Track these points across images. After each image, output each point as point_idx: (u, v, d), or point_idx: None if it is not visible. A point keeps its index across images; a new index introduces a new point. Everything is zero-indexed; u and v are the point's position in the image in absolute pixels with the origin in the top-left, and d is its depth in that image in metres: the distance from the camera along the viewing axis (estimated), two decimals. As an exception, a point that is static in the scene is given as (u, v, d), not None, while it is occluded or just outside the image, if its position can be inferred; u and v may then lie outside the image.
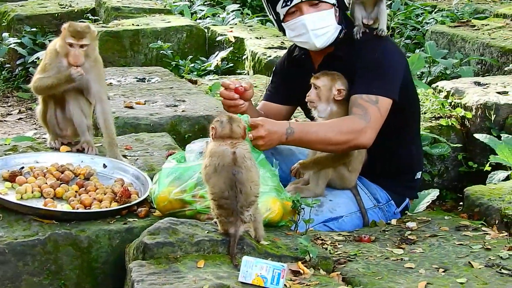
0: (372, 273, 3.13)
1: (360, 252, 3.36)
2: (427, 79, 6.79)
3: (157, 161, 4.20)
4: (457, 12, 9.21)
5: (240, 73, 7.56)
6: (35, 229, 3.40)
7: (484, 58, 6.98)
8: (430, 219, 3.79)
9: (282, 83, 4.18)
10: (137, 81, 6.31)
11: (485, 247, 3.37)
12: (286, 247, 3.22)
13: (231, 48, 7.97)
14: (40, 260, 3.34)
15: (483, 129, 5.23)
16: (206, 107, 5.39)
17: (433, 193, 4.48)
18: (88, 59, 4.06)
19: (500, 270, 3.13)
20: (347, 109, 3.77)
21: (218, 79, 6.86)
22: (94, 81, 4.14)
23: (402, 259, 3.29)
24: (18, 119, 7.55)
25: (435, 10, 9.53)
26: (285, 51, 4.35)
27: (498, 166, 4.86)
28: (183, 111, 5.30)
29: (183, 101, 5.59)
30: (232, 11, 9.64)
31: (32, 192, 3.70)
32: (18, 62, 8.75)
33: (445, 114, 5.43)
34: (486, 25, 7.87)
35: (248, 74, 7.38)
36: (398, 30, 8.72)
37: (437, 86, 5.83)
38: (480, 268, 3.15)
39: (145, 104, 5.50)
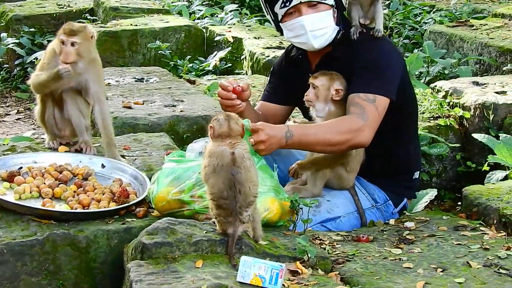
0: (370, 273, 3.13)
1: (358, 252, 3.36)
2: (425, 79, 6.80)
3: (155, 161, 4.20)
4: (455, 12, 9.22)
5: (238, 73, 7.56)
6: (33, 229, 3.40)
7: (483, 58, 6.99)
8: (428, 219, 3.80)
9: (280, 83, 4.18)
10: (136, 81, 6.31)
11: (483, 247, 3.37)
12: (284, 247, 3.22)
13: (230, 48, 7.97)
14: (38, 260, 3.34)
15: (481, 129, 5.24)
16: (204, 107, 5.39)
17: (431, 193, 4.48)
18: (82, 59, 4.04)
19: (498, 270, 3.13)
20: (345, 109, 3.77)
21: (216, 79, 6.86)
22: (93, 82, 4.14)
23: (400, 259, 3.29)
24: (17, 119, 7.55)
25: (434, 10, 9.54)
26: (283, 51, 4.35)
27: (496, 166, 4.86)
28: (181, 111, 5.30)
29: (182, 101, 5.59)
30: (231, 11, 9.64)
31: (31, 192, 3.70)
32: (16, 62, 8.75)
33: (444, 114, 5.44)
34: (484, 25, 7.88)
35: (247, 74, 7.38)
36: (397, 30, 8.73)
37: (436, 86, 5.84)
38: (478, 268, 3.15)
39: (143, 104, 5.50)
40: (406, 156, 4.10)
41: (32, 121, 7.27)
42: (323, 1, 3.84)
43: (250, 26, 8.84)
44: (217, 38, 8.27)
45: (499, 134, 5.02)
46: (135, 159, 4.25)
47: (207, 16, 9.59)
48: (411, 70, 6.17)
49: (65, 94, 4.16)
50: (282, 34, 4.01)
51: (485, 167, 4.87)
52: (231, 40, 8.06)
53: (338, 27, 3.89)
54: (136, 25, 8.49)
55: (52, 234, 3.36)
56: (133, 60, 8.12)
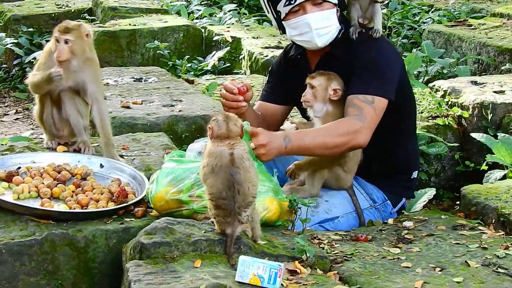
0: (369, 272, 3.13)
1: (357, 251, 3.36)
2: (424, 79, 6.80)
3: (154, 161, 4.20)
4: (454, 12, 9.22)
5: (237, 73, 7.56)
6: (32, 229, 3.40)
7: (481, 58, 6.99)
8: (426, 218, 3.80)
9: (278, 83, 4.18)
10: (134, 81, 6.31)
11: (481, 246, 3.38)
12: (283, 247, 3.22)
13: (228, 48, 7.97)
14: (37, 260, 3.34)
15: (480, 128, 5.24)
16: (203, 107, 5.39)
17: (430, 192, 4.48)
18: (76, 57, 4.05)
19: (497, 269, 3.13)
20: (343, 109, 3.77)
21: (215, 79, 6.86)
22: (90, 82, 4.14)
23: (399, 258, 3.29)
24: (15, 119, 7.54)
25: (432, 10, 9.54)
26: (281, 50, 4.35)
27: (494, 165, 4.87)
28: (180, 111, 5.30)
29: (180, 101, 5.59)
30: (229, 10, 9.63)
31: (29, 192, 3.70)
32: (15, 62, 8.74)
33: (442, 114, 5.44)
34: (483, 25, 7.88)
35: (245, 74, 7.38)
36: (395, 30, 8.73)
37: (434, 85, 5.84)
38: (476, 267, 3.16)
39: (142, 104, 5.49)
40: (405, 156, 4.09)
41: (31, 121, 7.26)
42: (328, 0, 3.84)
43: (248, 25, 8.83)
44: (215, 38, 8.27)
45: (498, 134, 5.03)
46: (134, 159, 4.25)
47: (205, 16, 9.59)
48: (410, 70, 6.18)
49: (63, 94, 4.17)
50: (283, 32, 3.99)
51: (484, 167, 4.87)
52: (230, 39, 8.05)
53: (340, 26, 3.89)
54: (135, 25, 8.48)
55: (50, 234, 3.36)
56: (131, 60, 8.12)
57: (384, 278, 3.07)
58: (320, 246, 3.40)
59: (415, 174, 4.15)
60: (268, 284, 2.85)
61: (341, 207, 3.85)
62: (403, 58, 4.35)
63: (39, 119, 4.32)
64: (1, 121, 7.51)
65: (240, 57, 7.78)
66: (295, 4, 3.82)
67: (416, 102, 4.53)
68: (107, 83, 6.17)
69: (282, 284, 2.90)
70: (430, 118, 5.42)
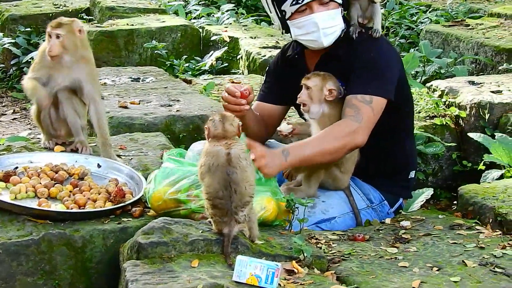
0: (366, 272, 3.13)
1: (354, 251, 3.37)
2: (421, 79, 6.80)
3: (151, 161, 4.20)
4: (451, 12, 9.22)
5: (234, 73, 7.56)
6: (29, 229, 3.39)
7: (479, 57, 7.00)
8: (424, 218, 3.80)
9: (276, 83, 4.18)
10: (132, 81, 6.31)
11: (479, 245, 3.38)
12: (280, 247, 3.23)
13: (226, 47, 7.97)
14: (34, 260, 3.33)
15: (477, 128, 5.25)
16: (200, 107, 5.39)
17: (427, 192, 4.49)
18: (67, 52, 4.04)
19: (494, 268, 3.13)
20: (339, 110, 3.77)
21: (212, 78, 6.86)
22: (86, 81, 4.13)
23: (396, 258, 3.29)
24: (13, 119, 7.54)
25: (430, 10, 9.55)
26: (279, 50, 4.34)
27: (492, 165, 4.88)
28: (177, 110, 5.29)
29: (178, 100, 5.58)
30: (227, 10, 9.63)
31: (26, 192, 3.70)
32: (12, 62, 8.74)
33: (440, 113, 5.44)
34: (480, 25, 7.89)
35: (243, 74, 7.38)
36: (393, 30, 8.73)
37: (432, 85, 5.85)
38: (474, 267, 3.16)
39: (139, 104, 5.49)
40: (402, 156, 4.10)
41: (28, 121, 7.26)
42: None
43: (246, 25, 8.83)
44: (213, 38, 8.27)
45: (495, 133, 5.03)
46: (131, 158, 4.25)
47: (203, 16, 9.58)
48: (407, 70, 6.18)
49: (60, 94, 4.16)
50: (286, 32, 3.97)
51: (481, 166, 4.88)
52: (227, 39, 8.05)
53: (344, 26, 3.90)
54: (132, 25, 8.48)
55: (47, 234, 3.35)
56: (129, 60, 8.11)
57: (381, 278, 3.07)
58: (318, 246, 3.40)
59: (412, 174, 4.15)
60: (265, 284, 2.86)
61: (338, 207, 3.85)
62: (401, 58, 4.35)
63: (37, 119, 4.32)
64: (-1, 121, 7.52)
65: (237, 57, 7.78)
66: (303, 3, 3.81)
67: (414, 102, 4.53)
68: (105, 83, 6.17)
69: (279, 284, 2.90)
70: (428, 118, 5.43)
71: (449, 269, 3.15)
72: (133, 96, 5.71)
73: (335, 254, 3.33)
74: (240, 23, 9.12)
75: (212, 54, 8.05)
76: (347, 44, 3.89)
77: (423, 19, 9.01)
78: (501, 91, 5.48)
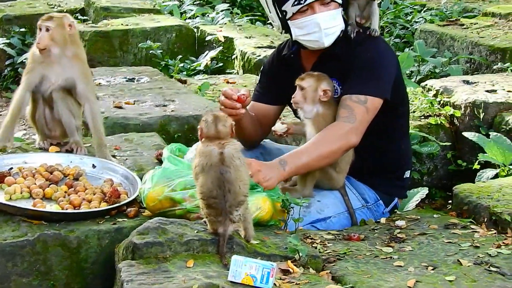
0: (361, 272, 3.13)
1: (349, 250, 3.37)
2: (416, 78, 6.81)
3: (146, 161, 4.20)
4: (446, 11, 9.24)
5: (229, 73, 7.56)
6: (24, 229, 3.39)
7: (473, 57, 7.01)
8: (419, 217, 3.80)
9: (271, 83, 4.17)
10: (127, 81, 6.30)
11: (473, 244, 3.38)
12: (275, 246, 3.23)
13: (221, 47, 7.97)
14: (29, 261, 3.33)
15: (472, 128, 5.25)
16: (195, 107, 5.39)
17: (422, 192, 4.50)
18: (56, 45, 4.05)
19: (489, 267, 3.14)
20: (334, 109, 3.78)
21: (207, 78, 6.86)
22: (79, 80, 4.14)
23: (391, 257, 3.30)
24: (7, 120, 7.52)
25: (424, 9, 9.56)
26: (274, 50, 4.34)
27: (487, 164, 4.88)
28: (172, 111, 5.29)
29: (173, 101, 5.58)
30: (222, 10, 9.64)
31: (21, 193, 3.69)
32: (7, 63, 8.73)
33: (434, 113, 5.45)
34: (475, 24, 7.91)
35: (238, 74, 7.38)
36: (388, 29, 8.74)
37: (426, 84, 5.85)
38: (469, 266, 3.16)
39: (134, 104, 5.49)
40: (397, 155, 4.10)
41: (23, 122, 7.25)
42: (335, 0, 3.85)
43: (241, 25, 8.84)
44: (208, 38, 8.26)
45: (490, 133, 5.04)
46: (126, 159, 4.25)
47: (198, 16, 9.58)
48: (402, 69, 6.17)
49: (55, 94, 4.16)
50: (286, 32, 3.96)
51: (476, 166, 4.89)
52: (222, 39, 8.05)
53: (344, 26, 3.90)
54: (127, 25, 8.47)
55: (43, 235, 3.35)
56: (124, 60, 8.10)
57: (376, 277, 3.07)
58: (313, 245, 3.40)
59: (407, 174, 4.15)
60: (260, 284, 2.85)
61: (333, 207, 3.85)
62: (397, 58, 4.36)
63: (31, 119, 4.32)
64: (-6, 121, 7.50)
65: (232, 57, 7.78)
66: (305, 4, 3.81)
67: (409, 101, 4.53)
68: (100, 83, 6.17)
69: (274, 284, 2.90)
70: (423, 117, 5.44)
71: (444, 268, 3.16)
72: (128, 96, 5.71)
73: (330, 253, 3.33)
74: (235, 23, 9.12)
75: (207, 54, 8.05)
76: (345, 43, 3.89)
77: (418, 18, 9.03)
78: (496, 90, 5.49)
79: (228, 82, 6.55)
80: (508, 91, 5.48)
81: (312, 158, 3.68)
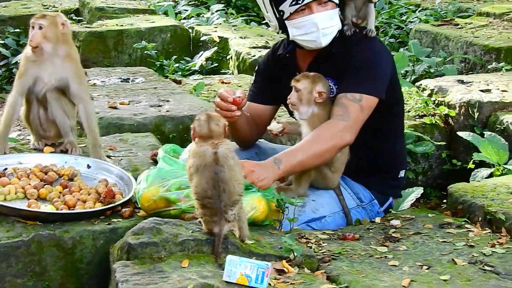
0: (356, 271, 3.13)
1: (344, 250, 3.37)
2: (411, 78, 6.82)
3: (141, 162, 4.20)
4: (440, 11, 9.26)
5: (224, 73, 7.56)
6: (18, 230, 3.38)
7: (468, 57, 7.02)
8: (414, 217, 3.80)
9: (265, 83, 4.17)
10: (121, 81, 6.30)
11: (468, 244, 3.39)
12: (270, 246, 3.23)
13: (216, 48, 7.97)
14: (24, 262, 3.32)
15: (466, 127, 5.26)
16: (190, 107, 5.38)
17: (417, 191, 4.50)
18: (48, 43, 4.05)
19: (483, 266, 3.14)
20: (329, 110, 3.78)
21: (202, 79, 6.86)
22: (72, 80, 4.13)
23: (386, 256, 3.30)
24: (2, 121, 7.50)
25: (419, 9, 9.58)
26: (269, 49, 4.34)
27: (481, 164, 4.89)
28: (167, 111, 5.29)
29: (168, 101, 5.58)
30: (217, 11, 9.64)
31: (16, 193, 3.69)
32: (1, 64, 8.70)
33: (429, 113, 5.46)
34: (469, 24, 7.92)
35: (233, 74, 7.38)
36: (383, 29, 8.75)
37: (421, 84, 5.86)
38: (463, 265, 3.17)
39: (129, 104, 5.49)
40: (392, 155, 4.10)
41: (18, 122, 7.23)
42: (332, 0, 3.85)
43: (236, 26, 8.84)
44: (203, 38, 8.26)
45: (484, 132, 5.05)
46: (121, 159, 4.25)
47: (193, 16, 9.58)
48: (397, 69, 6.18)
49: (49, 94, 4.16)
50: (283, 32, 3.96)
51: (470, 165, 4.90)
52: (217, 40, 8.05)
53: (340, 26, 3.90)
54: (122, 25, 8.47)
55: (37, 235, 3.34)
56: (119, 61, 8.10)
57: (371, 277, 3.07)
58: (308, 245, 3.40)
59: (402, 173, 4.15)
60: (255, 284, 2.86)
61: (328, 206, 3.86)
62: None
63: (26, 120, 4.32)
64: (-12, 122, 7.48)
65: (227, 57, 7.78)
66: (303, 3, 3.81)
67: (404, 101, 4.54)
68: (94, 83, 6.16)
69: (269, 284, 2.90)
70: (417, 117, 5.44)
71: (439, 268, 3.16)
72: (123, 97, 5.70)
73: (325, 253, 3.33)
74: (230, 23, 9.12)
75: (202, 54, 8.05)
76: (342, 43, 3.90)
77: (413, 18, 9.04)
78: (490, 90, 5.50)
79: (223, 82, 6.55)
80: (502, 91, 5.49)
81: (307, 156, 3.68)
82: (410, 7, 9.70)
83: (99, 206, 3.57)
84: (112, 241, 3.34)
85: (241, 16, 9.67)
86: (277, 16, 3.91)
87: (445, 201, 4.56)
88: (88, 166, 4.04)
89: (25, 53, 4.20)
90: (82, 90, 4.17)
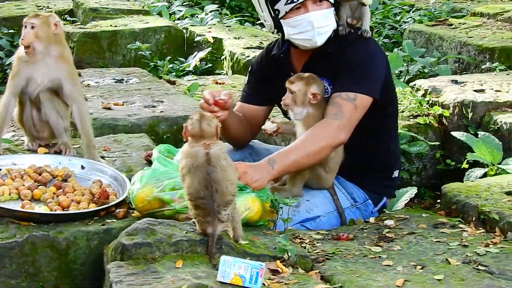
0: (350, 271, 3.13)
1: (338, 250, 3.37)
2: (405, 78, 6.83)
3: (135, 162, 4.19)
4: (434, 11, 9.27)
5: (218, 73, 7.56)
6: (12, 231, 3.38)
7: (462, 57, 7.03)
8: (408, 216, 3.80)
9: (259, 83, 4.17)
10: (115, 82, 6.29)
11: (462, 243, 3.39)
12: (264, 246, 3.23)
13: (210, 48, 7.97)
14: (17, 263, 3.32)
15: (460, 127, 5.27)
16: (184, 108, 5.38)
17: (411, 191, 4.50)
18: (40, 42, 4.05)
19: (477, 266, 3.15)
20: (324, 111, 3.78)
21: (196, 79, 6.85)
22: (66, 80, 4.13)
23: (380, 256, 3.30)
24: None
25: (413, 9, 9.59)
26: (263, 49, 4.33)
27: (475, 164, 4.90)
28: (161, 111, 5.29)
29: (162, 101, 5.57)
30: (211, 11, 9.64)
31: (10, 194, 3.68)
32: (-5, 64, 8.71)
33: (423, 113, 5.47)
34: (463, 24, 7.94)
35: (227, 74, 7.38)
36: (377, 29, 8.76)
37: (415, 84, 5.87)
38: (457, 265, 3.17)
39: (123, 105, 5.48)
40: (386, 155, 4.11)
41: (12, 123, 7.22)
42: None
43: (230, 26, 8.84)
44: (197, 39, 8.27)
45: (478, 132, 5.06)
46: (115, 160, 4.25)
47: (187, 17, 9.58)
48: (391, 69, 6.19)
49: (42, 95, 4.15)
50: (278, 31, 3.95)
51: (464, 165, 4.91)
52: (211, 40, 8.05)
53: (336, 26, 3.91)
54: (116, 26, 8.46)
55: (31, 236, 3.34)
56: (113, 61, 8.09)
57: (365, 277, 3.07)
58: (302, 245, 3.41)
59: (396, 173, 4.16)
60: (249, 284, 2.86)
61: (322, 206, 3.86)
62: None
63: (19, 121, 4.31)
64: (-18, 123, 7.45)
65: (221, 58, 7.78)
66: (298, 2, 3.82)
67: (398, 101, 4.55)
68: (88, 84, 6.16)
69: (263, 284, 2.90)
70: (411, 117, 5.45)
71: (433, 267, 3.16)
72: (117, 98, 5.70)
73: (319, 253, 3.33)
74: (224, 23, 9.12)
75: (196, 55, 8.05)
76: (337, 43, 3.90)
77: (407, 18, 9.06)
78: (484, 90, 5.51)
79: (217, 83, 6.55)
80: (496, 91, 5.50)
81: (301, 156, 3.68)
82: (404, 7, 9.71)
83: (93, 207, 3.57)
84: (106, 242, 3.34)
85: (235, 17, 9.68)
86: (273, 15, 3.91)
87: (439, 201, 4.56)
88: (82, 167, 4.03)
89: (18, 53, 4.20)
90: (75, 91, 4.16)
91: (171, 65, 7.84)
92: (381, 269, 3.17)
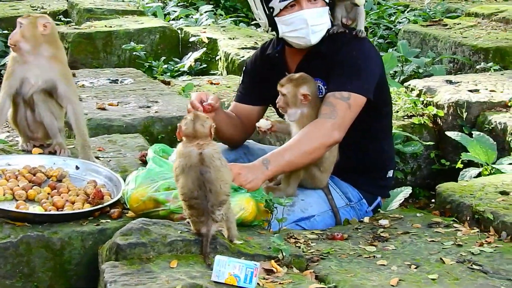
0: (345, 271, 3.14)
1: (333, 250, 3.37)
2: (399, 78, 6.84)
3: (130, 163, 4.19)
4: (429, 11, 9.29)
5: (213, 74, 7.56)
6: (7, 231, 3.37)
7: (456, 57, 7.05)
8: (402, 216, 3.81)
9: (253, 83, 4.17)
10: (110, 82, 6.29)
11: (456, 243, 3.40)
12: (259, 246, 3.23)
13: (205, 49, 7.97)
14: (12, 263, 3.32)
15: (455, 127, 5.28)
16: (179, 108, 5.38)
17: (406, 191, 4.51)
18: (25, 41, 4.06)
19: (471, 265, 3.15)
20: (318, 110, 3.78)
21: (191, 80, 6.85)
22: (60, 81, 4.12)
23: (374, 256, 3.30)
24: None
25: (408, 10, 9.61)
26: (257, 49, 4.33)
27: (470, 163, 4.91)
28: (156, 112, 5.29)
29: (156, 102, 5.57)
30: (205, 12, 9.64)
31: (4, 195, 3.67)
32: (-11, 65, 8.68)
33: (418, 113, 5.47)
34: (458, 24, 7.95)
35: (222, 75, 7.38)
36: (371, 30, 8.77)
37: (410, 84, 5.88)
38: (451, 264, 3.18)
39: (117, 105, 5.48)
40: (380, 155, 4.11)
41: (6, 123, 7.21)
42: None
43: (225, 27, 8.84)
44: (192, 39, 8.26)
45: (472, 132, 5.07)
46: (110, 160, 4.24)
47: (182, 17, 9.58)
48: (386, 70, 6.18)
49: (36, 96, 4.14)
50: (273, 29, 3.95)
51: (459, 165, 4.91)
52: (206, 41, 8.05)
53: (330, 25, 3.91)
54: (111, 27, 8.45)
55: (26, 237, 3.33)
56: (107, 62, 8.08)
57: (360, 276, 3.08)
58: (296, 245, 3.41)
59: (390, 173, 4.16)
60: (244, 284, 2.86)
61: (317, 206, 3.86)
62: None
63: (13, 122, 4.30)
64: (-24, 124, 7.44)
65: (216, 58, 7.78)
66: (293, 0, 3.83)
67: (392, 101, 4.55)
68: (83, 84, 6.15)
69: (258, 283, 2.90)
70: (406, 117, 5.46)
71: (427, 267, 3.17)
72: (112, 98, 5.70)
73: (313, 253, 3.34)
74: (219, 24, 9.12)
75: (190, 55, 8.05)
76: (331, 43, 3.90)
77: (401, 19, 9.07)
78: (478, 90, 5.53)
79: (212, 83, 6.55)
80: (490, 91, 5.52)
81: (295, 156, 3.68)
82: (398, 7, 9.73)
83: (87, 207, 3.56)
84: (101, 242, 3.34)
85: (230, 17, 9.68)
86: (267, 13, 3.91)
87: (433, 200, 4.57)
88: (77, 167, 4.03)
89: (12, 54, 4.19)
90: (70, 92, 4.16)
91: (165, 66, 7.83)
92: (376, 268, 3.17)
